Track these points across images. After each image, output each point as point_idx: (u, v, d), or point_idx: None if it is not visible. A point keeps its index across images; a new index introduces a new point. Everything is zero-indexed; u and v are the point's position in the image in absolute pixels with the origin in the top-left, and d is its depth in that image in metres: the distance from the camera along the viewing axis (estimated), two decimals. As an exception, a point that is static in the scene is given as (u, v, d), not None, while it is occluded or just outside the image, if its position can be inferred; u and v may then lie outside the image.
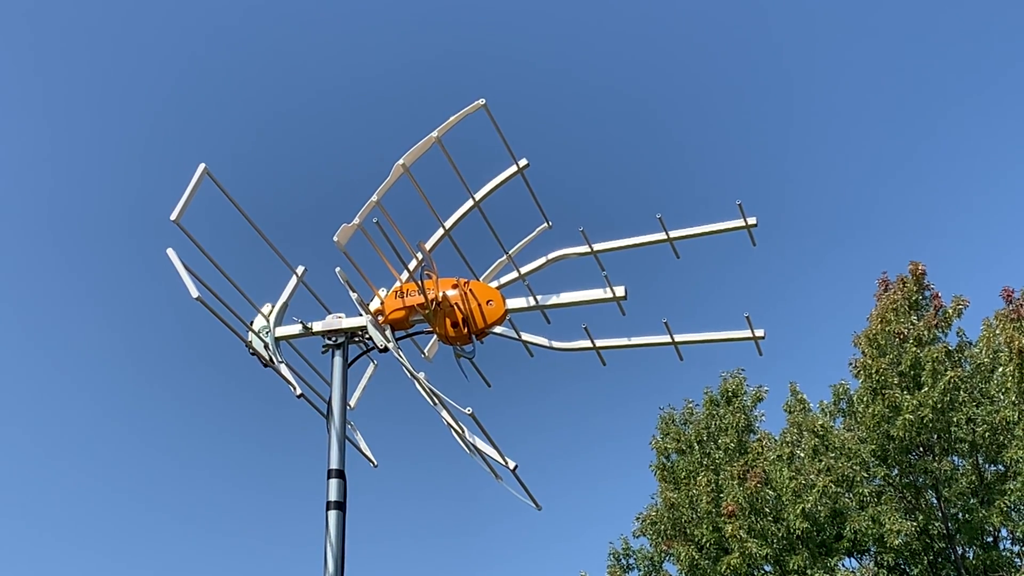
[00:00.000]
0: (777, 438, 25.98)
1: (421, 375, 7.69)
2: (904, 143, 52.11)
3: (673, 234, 8.20)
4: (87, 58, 44.86)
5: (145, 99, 45.16)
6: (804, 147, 52.25)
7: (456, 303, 8.10)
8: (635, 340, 8.36)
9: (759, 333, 8.14)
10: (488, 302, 8.13)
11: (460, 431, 7.86)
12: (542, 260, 8.49)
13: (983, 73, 50.22)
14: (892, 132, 52.34)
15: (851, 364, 25.67)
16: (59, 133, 45.08)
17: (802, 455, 25.20)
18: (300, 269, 8.31)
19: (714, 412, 26.97)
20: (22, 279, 46.05)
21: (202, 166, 7.51)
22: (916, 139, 52.11)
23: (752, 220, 8.07)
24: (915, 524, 23.77)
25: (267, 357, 8.07)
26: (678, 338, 8.22)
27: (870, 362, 24.68)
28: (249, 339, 8.09)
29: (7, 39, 42.58)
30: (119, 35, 44.45)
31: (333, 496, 7.58)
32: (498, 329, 8.24)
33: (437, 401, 7.75)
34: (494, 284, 8.39)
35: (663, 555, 26.41)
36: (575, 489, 46.90)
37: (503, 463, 7.59)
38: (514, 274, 8.40)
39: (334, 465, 7.69)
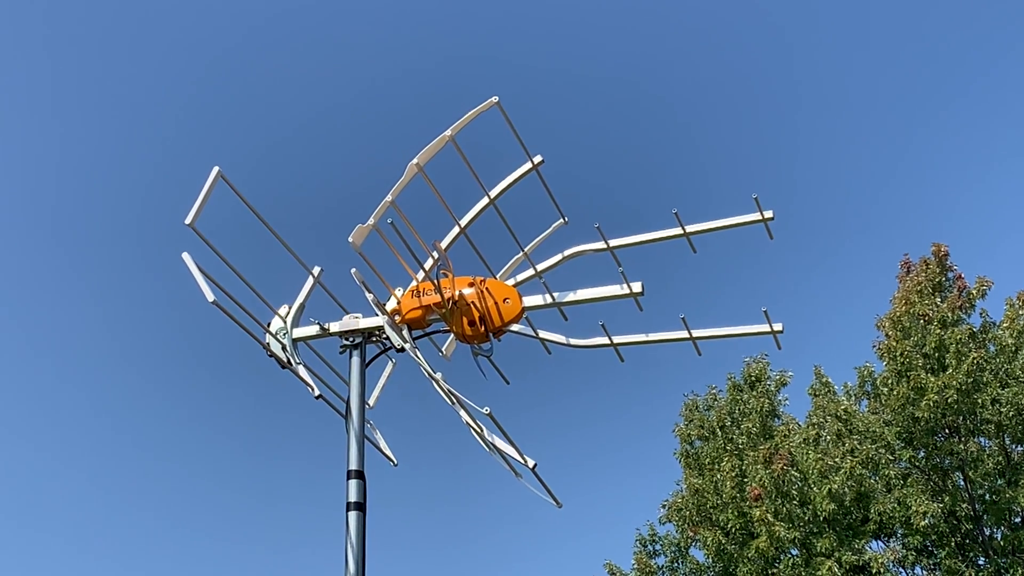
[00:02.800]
0: (802, 423, 25.94)
1: (438, 375, 7.67)
2: (923, 123, 51.68)
3: (689, 229, 8.17)
4: (101, 61, 44.82)
5: (157, 103, 45.11)
6: (820, 131, 51.86)
7: (473, 301, 8.09)
8: (653, 336, 8.35)
9: (777, 327, 8.11)
10: (505, 300, 8.11)
11: (479, 430, 7.84)
12: (558, 257, 8.47)
13: (1003, 49, 49.74)
14: (910, 112, 51.95)
15: (875, 347, 25.54)
16: (72, 138, 45.04)
17: (828, 438, 25.14)
18: (316, 270, 8.30)
19: (738, 397, 26.87)
20: (38, 284, 46.10)
21: (216, 169, 7.51)
22: (935, 119, 51.65)
23: (769, 214, 8.03)
24: (942, 506, 23.69)
25: (285, 359, 8.07)
26: (696, 333, 8.19)
27: (895, 344, 24.55)
28: (267, 341, 8.08)
29: (24, 42, 42.60)
30: (133, 38, 44.41)
31: (353, 497, 7.59)
32: (515, 327, 8.23)
33: (455, 401, 7.74)
34: (511, 282, 8.38)
35: (689, 541, 26.35)
36: (598, 483, 46.84)
37: (522, 461, 7.57)
38: (531, 271, 8.38)
39: (353, 466, 7.70)
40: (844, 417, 25.15)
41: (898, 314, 25.11)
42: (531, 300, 8.22)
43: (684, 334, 8.21)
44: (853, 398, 26.60)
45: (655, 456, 49.64)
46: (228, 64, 46.66)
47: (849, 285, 49.85)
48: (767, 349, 27.74)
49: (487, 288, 8.14)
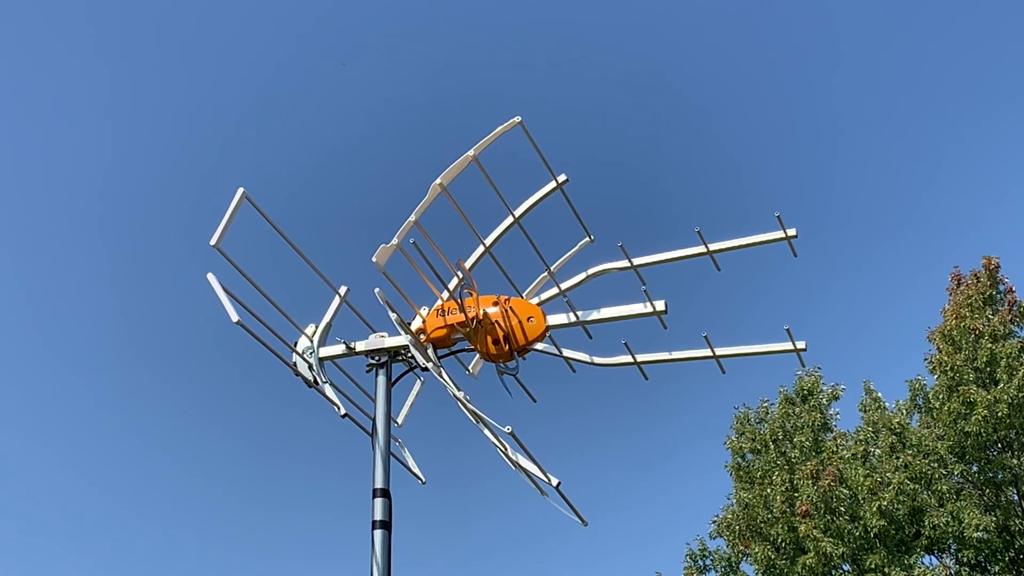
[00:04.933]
0: (852, 436, 25.76)
1: (461, 394, 7.70)
2: (972, 132, 50.96)
3: (713, 247, 8.17)
4: (128, 81, 45.14)
5: (183, 124, 45.30)
6: (864, 140, 51.29)
7: (497, 320, 8.12)
8: (676, 354, 8.33)
9: (800, 345, 8.08)
10: (529, 319, 8.14)
11: (503, 448, 7.85)
12: (582, 276, 8.49)
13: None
14: (958, 119, 51.25)
15: (926, 360, 25.37)
16: (98, 158, 45.37)
17: (878, 452, 24.97)
18: (343, 289, 8.34)
19: (789, 411, 26.72)
20: (65, 304, 46.47)
21: (240, 190, 7.57)
22: (983, 127, 50.92)
23: (792, 232, 8.00)
24: (995, 520, 23.45)
25: (311, 378, 8.11)
26: (719, 352, 8.17)
27: (946, 358, 24.38)
28: (293, 361, 8.14)
29: (55, 61, 43.12)
30: (161, 58, 44.72)
31: (378, 515, 7.61)
32: (539, 345, 8.24)
33: (479, 419, 7.75)
34: (535, 300, 8.39)
35: (740, 555, 26.23)
36: (633, 499, 46.81)
37: (546, 480, 7.56)
38: (555, 290, 8.39)
39: (379, 484, 7.73)
40: (898, 430, 24.96)
41: (949, 328, 24.92)
42: (555, 319, 8.23)
43: (707, 352, 8.20)
44: (905, 412, 26.39)
45: (687, 471, 49.34)
46: (252, 85, 46.89)
47: (901, 297, 49.42)
48: (818, 362, 27.62)
49: (511, 307, 8.17)
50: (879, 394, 26.93)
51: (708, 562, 27.10)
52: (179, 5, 43.69)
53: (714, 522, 26.69)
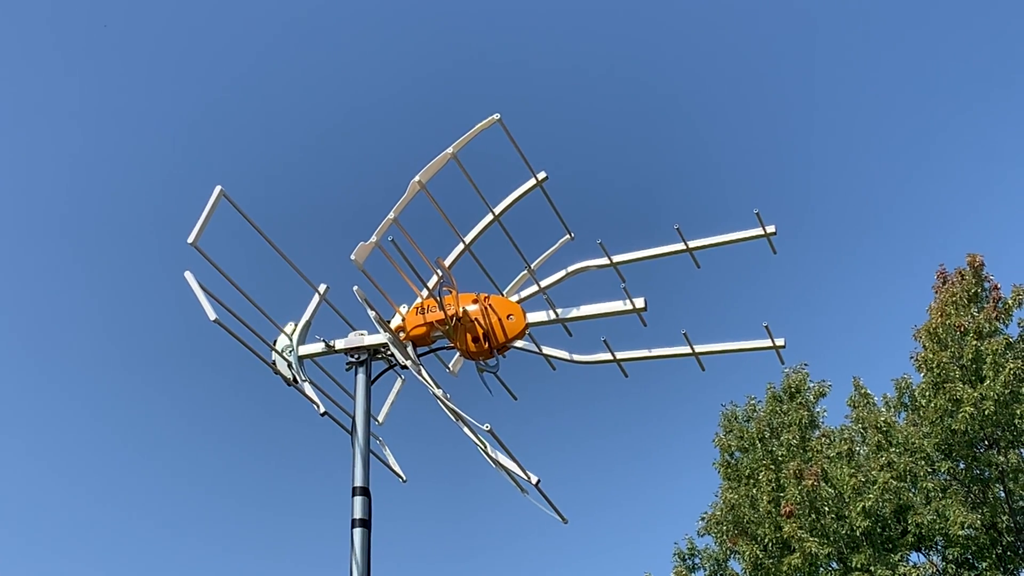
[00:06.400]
0: (836, 434, 25.75)
1: (440, 392, 7.68)
2: (956, 129, 50.95)
3: (692, 244, 8.16)
4: (106, 78, 44.94)
5: (160, 122, 45.13)
6: (847, 134, 51.17)
7: (476, 318, 8.11)
8: (656, 352, 8.33)
9: (779, 342, 8.07)
10: (508, 316, 8.13)
11: (483, 446, 7.84)
12: (562, 273, 8.48)
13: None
14: (938, 117, 51.23)
15: (913, 358, 25.36)
16: (75, 157, 45.13)
17: (865, 450, 24.99)
18: (322, 287, 8.33)
19: (777, 408, 26.71)
20: (43, 302, 46.18)
21: (218, 188, 7.54)
22: (968, 124, 50.89)
23: (771, 228, 8.02)
24: (981, 517, 23.46)
25: (291, 376, 8.09)
26: (698, 349, 8.17)
27: (931, 356, 24.38)
28: (272, 359, 8.12)
29: (31, 57, 42.89)
30: (137, 55, 44.50)
31: (358, 514, 7.61)
32: (519, 343, 8.23)
33: (458, 417, 7.73)
34: (515, 298, 8.38)
35: (728, 553, 26.22)
36: (613, 497, 46.82)
37: (525, 477, 7.55)
38: (535, 287, 8.38)
39: (358, 483, 7.72)
40: (884, 428, 24.97)
41: (934, 325, 24.92)
42: (535, 316, 8.22)
43: (687, 349, 8.19)
44: (892, 409, 26.40)
45: (672, 469, 49.35)
46: (230, 82, 46.73)
47: (886, 295, 49.44)
48: (804, 359, 27.65)
49: (491, 305, 8.15)
50: (867, 389, 26.96)
51: (696, 560, 27.12)
52: (155, -1, 43.61)
53: (703, 519, 26.67)
